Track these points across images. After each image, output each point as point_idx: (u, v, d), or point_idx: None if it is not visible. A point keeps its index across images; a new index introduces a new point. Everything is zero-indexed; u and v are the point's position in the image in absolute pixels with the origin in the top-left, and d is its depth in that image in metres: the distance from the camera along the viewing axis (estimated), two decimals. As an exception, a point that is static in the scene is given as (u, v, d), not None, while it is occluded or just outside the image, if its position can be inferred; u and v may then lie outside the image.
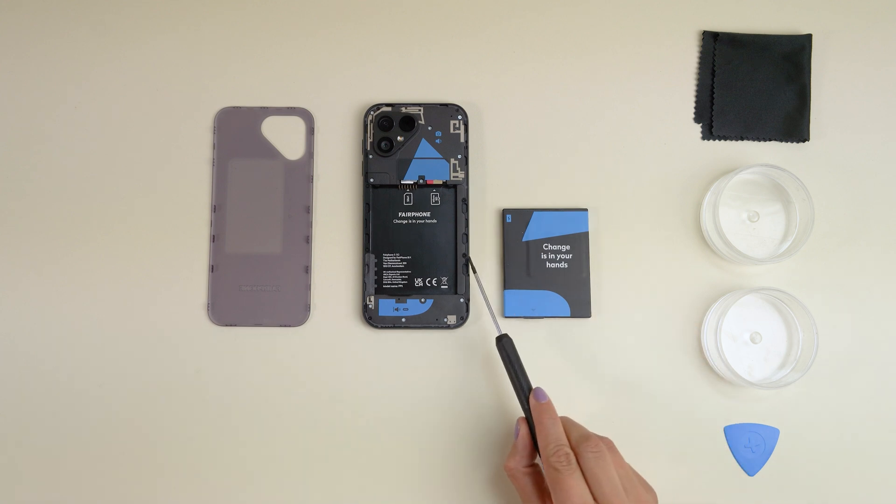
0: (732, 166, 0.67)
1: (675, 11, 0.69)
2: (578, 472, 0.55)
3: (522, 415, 0.60)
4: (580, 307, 0.65)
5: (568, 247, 0.66)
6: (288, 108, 0.68)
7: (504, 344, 0.61)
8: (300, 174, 0.67)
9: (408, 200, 0.66)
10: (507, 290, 0.66)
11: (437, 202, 0.66)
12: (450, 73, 0.68)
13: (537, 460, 0.60)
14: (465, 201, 0.66)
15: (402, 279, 0.66)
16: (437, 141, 0.66)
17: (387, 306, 0.65)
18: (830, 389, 0.66)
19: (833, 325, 0.66)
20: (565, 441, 0.57)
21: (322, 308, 0.66)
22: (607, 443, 0.57)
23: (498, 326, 0.62)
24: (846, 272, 0.67)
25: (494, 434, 0.65)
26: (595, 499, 0.54)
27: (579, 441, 0.56)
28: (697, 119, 0.68)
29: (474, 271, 0.64)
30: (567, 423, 0.59)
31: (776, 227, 0.67)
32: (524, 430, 0.59)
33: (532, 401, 0.59)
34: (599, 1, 0.69)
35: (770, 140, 0.68)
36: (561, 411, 0.64)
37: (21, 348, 0.65)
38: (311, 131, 0.67)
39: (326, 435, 0.65)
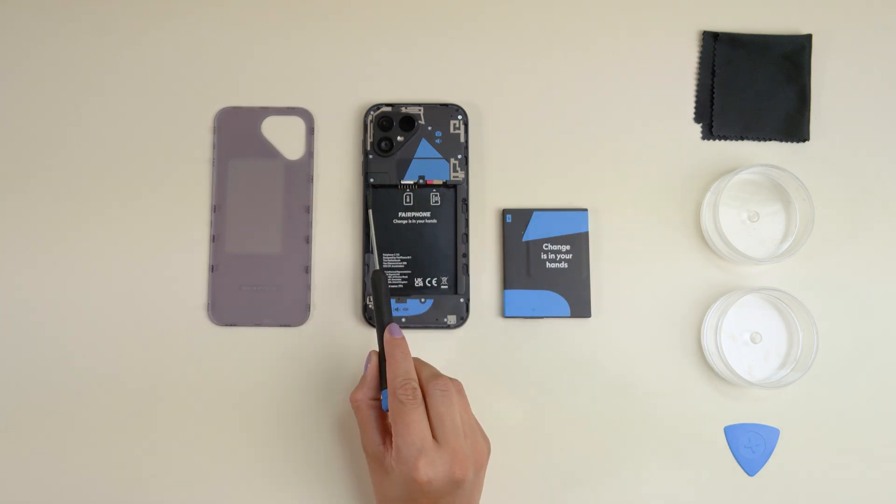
0: (732, 166, 0.67)
1: (675, 11, 0.69)
2: (422, 409, 0.54)
3: (377, 350, 0.59)
4: (580, 307, 0.65)
5: (568, 247, 0.66)
6: (288, 108, 0.68)
7: (376, 279, 0.60)
8: (300, 174, 0.67)
9: (408, 200, 0.66)
10: (507, 290, 0.66)
11: (437, 202, 0.66)
12: (450, 73, 0.68)
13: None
14: (465, 201, 0.66)
15: (402, 279, 0.66)
16: (437, 141, 0.66)
17: (387, 306, 0.65)
18: (830, 389, 0.66)
19: (833, 325, 0.66)
20: (414, 376, 0.56)
21: (322, 308, 0.66)
22: (457, 385, 0.57)
23: (377, 261, 0.63)
24: (846, 272, 0.67)
25: (494, 433, 0.65)
26: (434, 436, 0.54)
27: (429, 379, 0.56)
28: (697, 119, 0.68)
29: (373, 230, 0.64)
30: (419, 363, 0.58)
31: (776, 227, 0.67)
32: (374, 362, 0.58)
33: (386, 335, 0.58)
34: (599, 1, 0.69)
35: (770, 140, 0.68)
36: (560, 410, 0.64)
37: (20, 347, 0.65)
38: (311, 131, 0.67)
39: (327, 434, 0.65)
